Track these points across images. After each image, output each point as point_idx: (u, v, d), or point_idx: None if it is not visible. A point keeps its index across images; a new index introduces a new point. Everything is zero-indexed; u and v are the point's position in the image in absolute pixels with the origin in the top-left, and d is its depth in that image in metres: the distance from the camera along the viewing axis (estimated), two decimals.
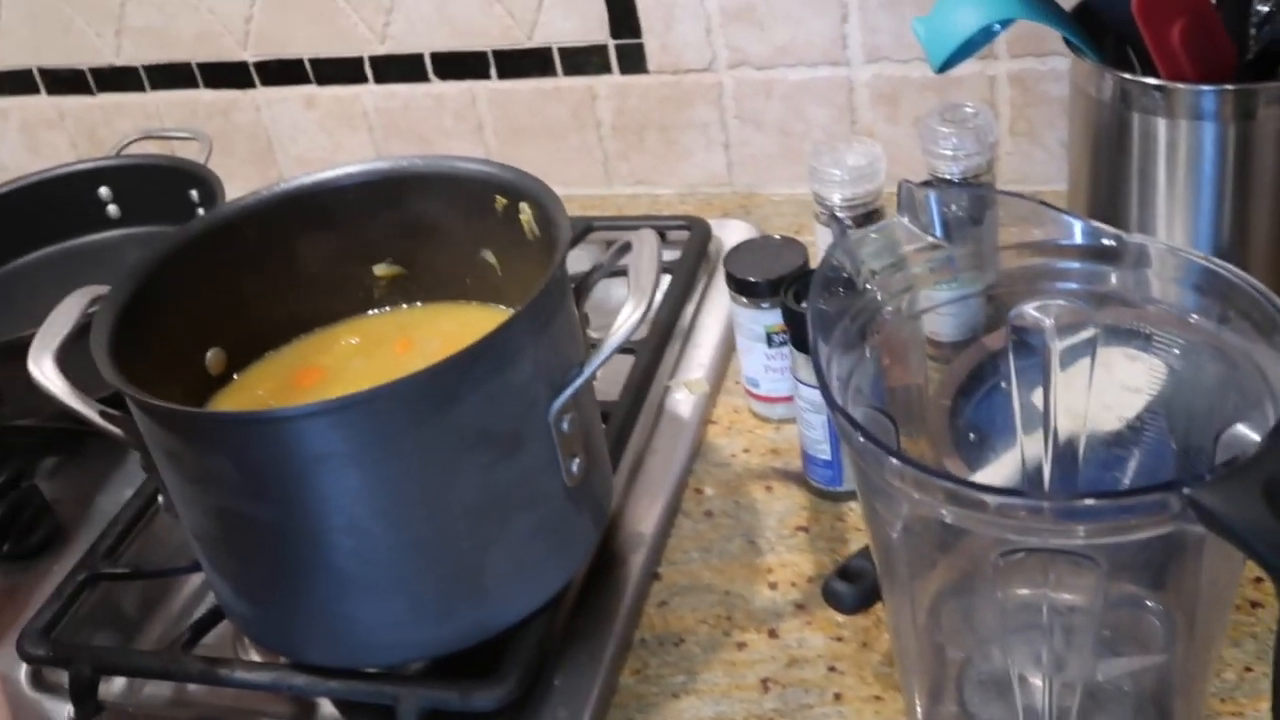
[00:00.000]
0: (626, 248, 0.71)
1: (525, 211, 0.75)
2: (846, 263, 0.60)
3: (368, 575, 0.64)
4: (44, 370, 0.68)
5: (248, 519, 0.64)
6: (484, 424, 0.63)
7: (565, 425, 0.66)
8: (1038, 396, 0.64)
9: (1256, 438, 0.50)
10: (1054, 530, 0.49)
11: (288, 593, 0.66)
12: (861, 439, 0.52)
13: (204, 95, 1.20)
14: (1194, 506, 0.45)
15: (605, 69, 1.08)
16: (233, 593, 0.69)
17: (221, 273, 0.76)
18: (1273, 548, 0.43)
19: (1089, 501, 0.47)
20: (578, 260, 1.03)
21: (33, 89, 1.24)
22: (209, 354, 0.77)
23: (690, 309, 0.96)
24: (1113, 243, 0.59)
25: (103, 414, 0.67)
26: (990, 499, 0.48)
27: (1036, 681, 0.59)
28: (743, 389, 0.86)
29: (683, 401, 0.87)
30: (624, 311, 0.66)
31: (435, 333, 0.80)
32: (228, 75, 1.18)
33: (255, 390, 0.78)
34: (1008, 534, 0.51)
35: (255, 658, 0.73)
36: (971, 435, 0.68)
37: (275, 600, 0.67)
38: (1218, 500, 0.45)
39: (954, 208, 0.64)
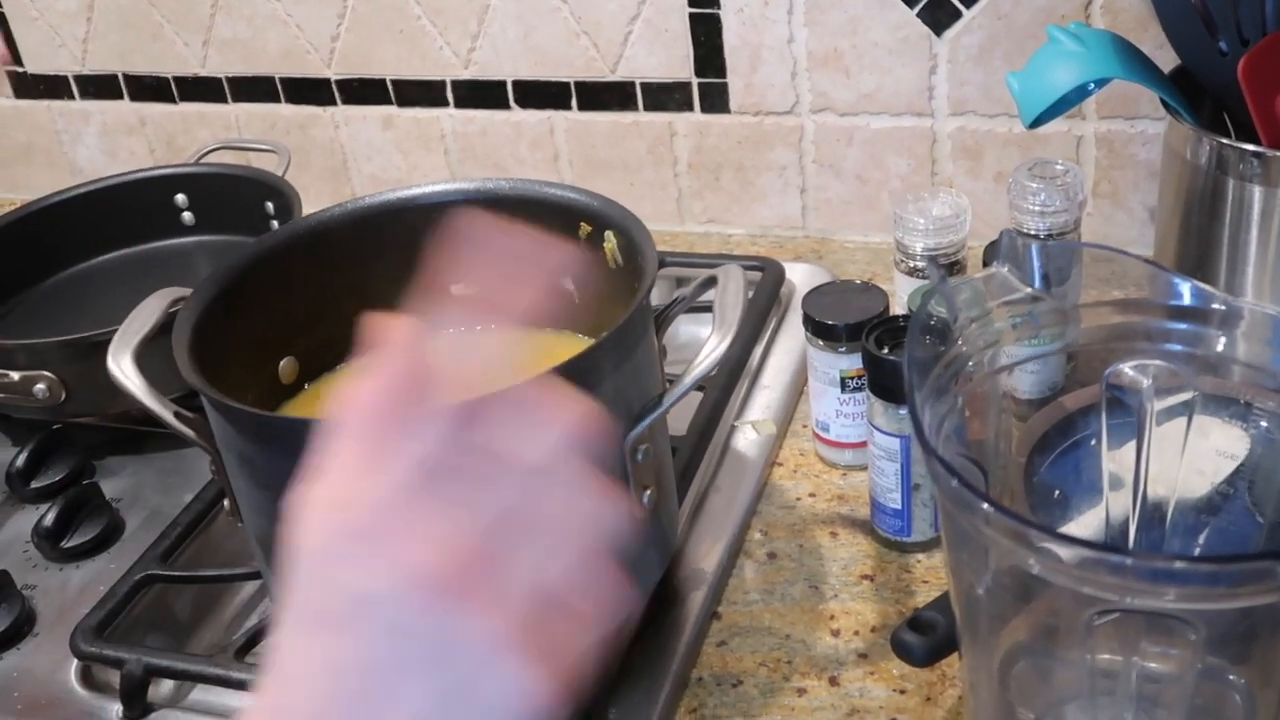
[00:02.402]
0: (711, 282, 0.71)
1: (610, 240, 0.74)
2: (944, 310, 0.59)
3: None
4: (123, 368, 0.68)
5: None
6: None
7: (640, 456, 0.65)
8: (1119, 457, 0.63)
9: None
10: (1147, 590, 0.48)
11: None
12: (955, 483, 0.51)
13: (283, 110, 1.20)
14: None
15: (687, 106, 1.08)
16: None
17: (301, 283, 0.76)
18: None
19: (1197, 565, 0.46)
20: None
21: (116, 94, 1.26)
22: (283, 362, 0.77)
23: (759, 350, 0.95)
24: (1222, 306, 0.58)
25: (177, 414, 0.67)
26: (1086, 552, 0.46)
27: None
28: (810, 432, 0.85)
29: (749, 442, 0.86)
30: (708, 345, 0.65)
31: (508, 356, 0.79)
32: (309, 91, 1.18)
33: (324, 401, 0.78)
34: (1094, 590, 0.50)
35: None
36: (1054, 493, 0.66)
37: None
38: None
39: (1056, 262, 0.63)
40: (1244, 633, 0.53)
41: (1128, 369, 0.58)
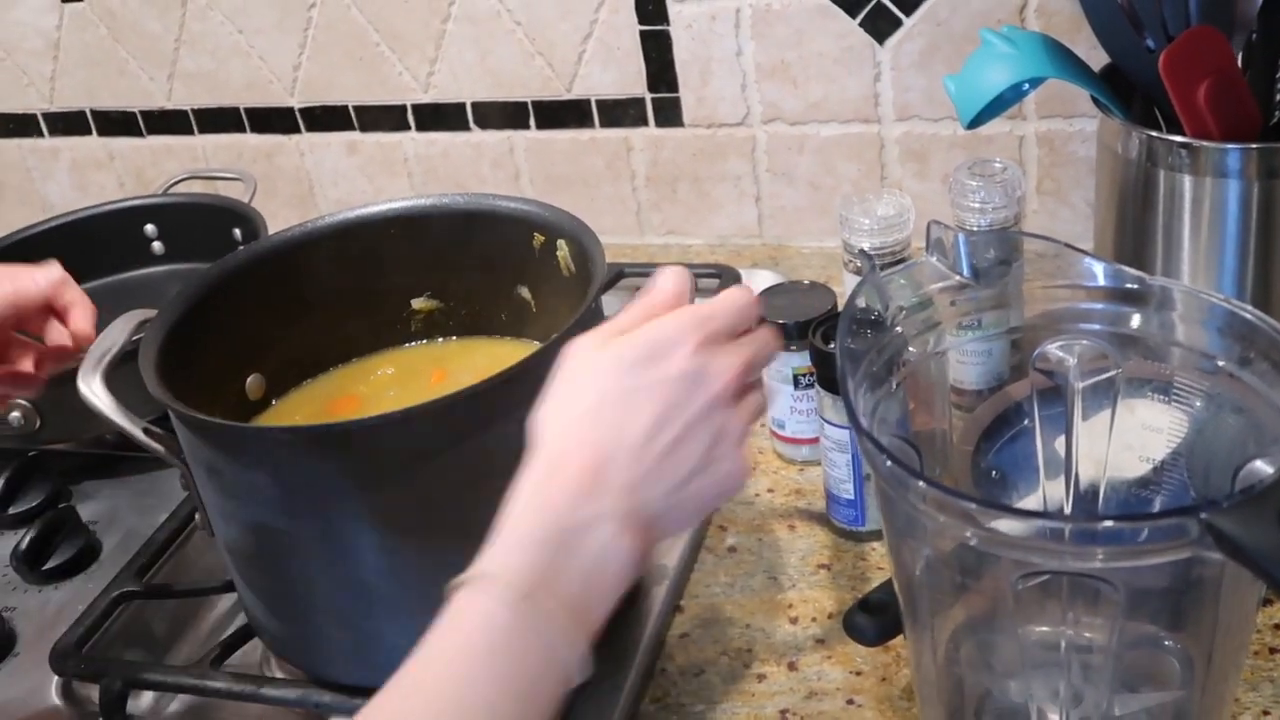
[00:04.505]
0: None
1: (562, 248, 0.77)
2: (875, 299, 0.61)
3: (395, 594, 0.66)
4: (93, 388, 0.70)
5: (282, 534, 0.65)
6: (514, 448, 0.65)
7: None
8: (1061, 444, 0.66)
9: (1272, 470, 0.51)
10: (1073, 553, 0.50)
11: (317, 609, 0.67)
12: (888, 463, 0.53)
13: (249, 139, 1.23)
14: (1211, 531, 0.46)
15: (641, 121, 1.11)
16: (263, 609, 0.70)
17: (263, 302, 0.79)
18: None
19: (1107, 523, 0.48)
20: (609, 305, 1.05)
21: (85, 130, 1.28)
22: (249, 380, 0.79)
23: None
24: (1135, 285, 0.60)
25: (146, 431, 0.69)
26: (1010, 518, 0.49)
27: (1054, 717, 0.59)
28: (768, 430, 0.87)
29: None
30: None
31: (469, 365, 0.82)
32: (273, 120, 1.21)
33: (292, 416, 0.80)
34: (1027, 557, 0.52)
35: (281, 675, 0.74)
36: (994, 476, 0.69)
37: (304, 617, 0.68)
38: (1234, 524, 0.46)
39: (983, 250, 0.65)
40: (1170, 597, 0.56)
41: (1053, 349, 0.61)
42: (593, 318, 0.69)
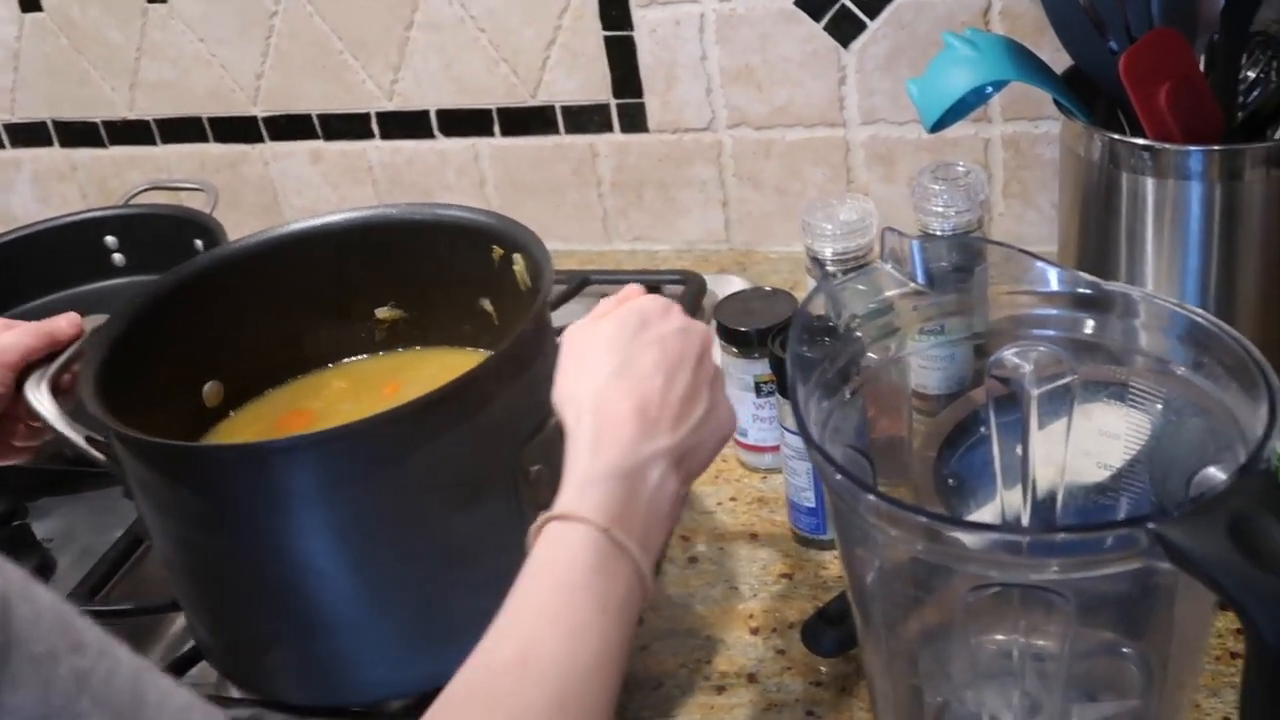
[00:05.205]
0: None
1: (518, 262, 0.76)
2: (828, 308, 0.61)
3: (332, 614, 0.64)
4: (38, 396, 0.68)
5: (213, 552, 0.65)
6: (450, 467, 0.63)
7: (531, 475, 0.66)
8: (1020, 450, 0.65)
9: (1225, 476, 0.51)
10: (1025, 565, 0.49)
11: (256, 629, 0.66)
12: (838, 476, 0.52)
13: (213, 149, 1.22)
14: (1160, 542, 0.46)
15: (606, 127, 1.10)
16: (206, 629, 0.69)
17: (219, 310, 0.77)
18: (1236, 581, 0.44)
19: (1057, 536, 0.48)
20: (573, 313, 1.04)
21: (46, 141, 1.27)
22: (206, 387, 0.78)
23: None
24: (1089, 291, 0.60)
25: (90, 440, 0.68)
26: (957, 532, 0.48)
27: None
28: (731, 439, 0.86)
29: None
30: None
31: (422, 377, 0.81)
32: (237, 130, 1.20)
33: (245, 433, 0.79)
34: (979, 570, 0.52)
35: (235, 695, 0.73)
36: (954, 484, 0.68)
37: (246, 636, 0.67)
38: (1183, 535, 0.45)
39: (939, 257, 0.64)
40: (1127, 605, 0.55)
41: (1009, 355, 0.60)
42: (539, 331, 0.68)
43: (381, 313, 0.83)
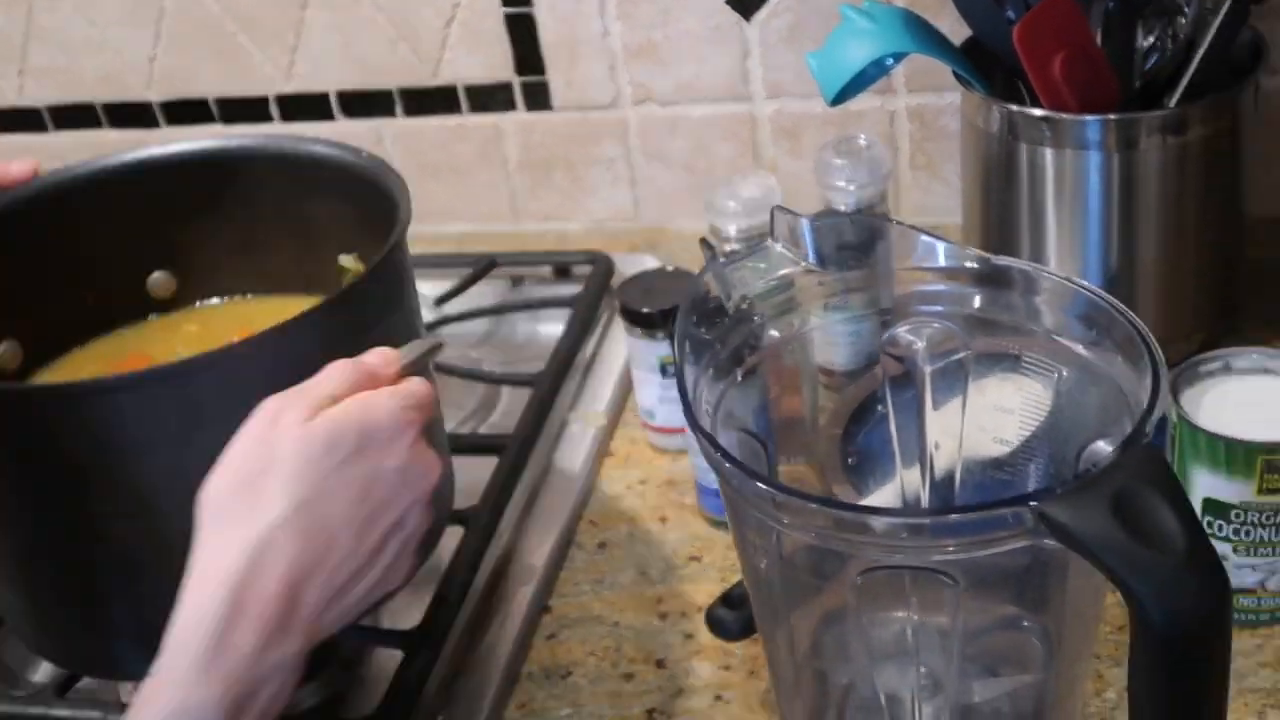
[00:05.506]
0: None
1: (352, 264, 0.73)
2: (717, 288, 0.60)
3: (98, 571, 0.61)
4: None
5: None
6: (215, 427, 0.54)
7: None
8: (937, 419, 0.64)
9: (1111, 450, 0.50)
10: (912, 547, 0.49)
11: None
12: (727, 464, 0.51)
13: (109, 135, 1.18)
14: (1044, 520, 0.45)
15: (511, 106, 1.08)
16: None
17: (18, 258, 0.69)
18: (1118, 558, 0.43)
19: (940, 517, 0.47)
20: (482, 295, 1.03)
21: None
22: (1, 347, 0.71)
23: (592, 343, 0.95)
24: (977, 265, 0.59)
25: None
26: (838, 514, 0.47)
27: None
28: (640, 421, 0.85)
29: (580, 434, 0.86)
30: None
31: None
32: (132, 115, 1.16)
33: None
34: (873, 554, 0.51)
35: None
36: (854, 462, 0.68)
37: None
38: (1066, 513, 0.45)
39: (831, 234, 0.64)
40: (1025, 580, 0.55)
41: (903, 332, 0.59)
42: (385, 284, 0.62)
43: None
